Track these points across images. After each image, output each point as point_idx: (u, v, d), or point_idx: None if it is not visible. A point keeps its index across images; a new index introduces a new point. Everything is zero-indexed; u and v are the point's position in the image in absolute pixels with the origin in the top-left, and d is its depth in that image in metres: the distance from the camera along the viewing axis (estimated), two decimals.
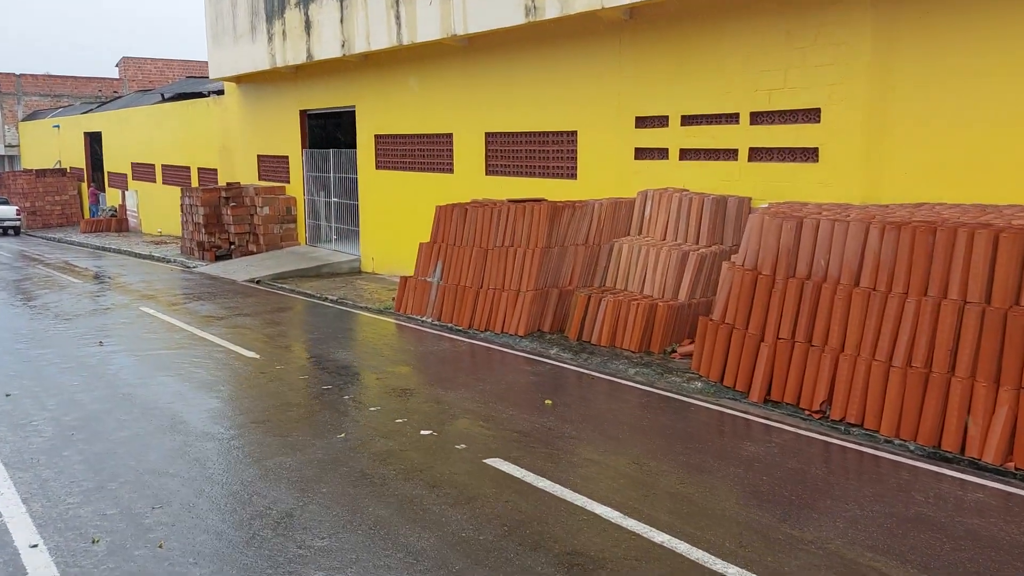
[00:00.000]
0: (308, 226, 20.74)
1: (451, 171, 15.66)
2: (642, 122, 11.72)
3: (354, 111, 18.27)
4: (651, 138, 11.58)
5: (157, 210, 29.62)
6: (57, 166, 39.07)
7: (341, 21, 16.44)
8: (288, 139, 20.85)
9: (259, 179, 22.57)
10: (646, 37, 11.48)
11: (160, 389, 8.17)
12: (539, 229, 11.19)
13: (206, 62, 48.84)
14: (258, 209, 20.61)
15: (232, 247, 20.98)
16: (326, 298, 14.79)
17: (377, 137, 17.61)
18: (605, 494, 5.43)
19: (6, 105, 47.01)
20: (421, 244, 13.15)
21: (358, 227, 18.71)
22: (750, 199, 10.32)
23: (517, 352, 10.31)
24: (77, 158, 37.82)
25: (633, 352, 9.82)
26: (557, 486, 5.56)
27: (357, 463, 6.02)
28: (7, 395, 7.85)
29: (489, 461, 6.06)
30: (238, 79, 22.16)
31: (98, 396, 7.83)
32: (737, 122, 10.47)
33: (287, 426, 6.96)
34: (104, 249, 25.39)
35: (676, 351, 9.73)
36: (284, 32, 18.45)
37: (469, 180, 15.10)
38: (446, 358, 9.88)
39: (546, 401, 7.77)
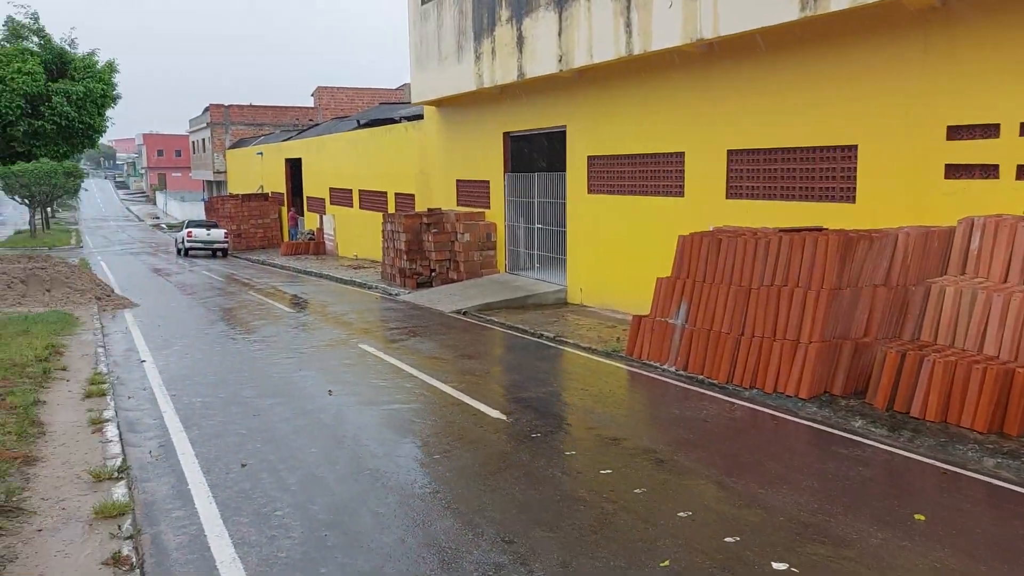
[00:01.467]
0: (508, 253, 19.45)
1: (680, 195, 13.72)
2: (957, 132, 9.27)
3: (564, 131, 16.76)
4: (972, 152, 9.11)
5: (354, 234, 29.67)
6: (260, 191, 40.66)
7: (559, 34, 14.97)
8: (489, 163, 19.71)
9: (457, 204, 21.62)
10: (966, 26, 9.06)
11: (411, 466, 6.76)
12: (827, 265, 9.02)
13: (396, 90, 49.91)
14: (459, 235, 19.57)
15: (432, 274, 20.06)
16: (542, 335, 13.25)
17: (591, 159, 15.99)
18: None
19: (216, 134, 49.93)
20: (659, 280, 11.30)
21: (564, 255, 17.14)
22: None
23: (803, 421, 8.19)
24: (278, 183, 39.14)
25: (980, 433, 7.43)
26: None
27: None
28: (243, 465, 6.70)
29: None
30: (439, 102, 21.35)
31: (342, 473, 6.51)
32: None
33: (606, 545, 5.26)
34: (306, 273, 25.45)
35: None
36: (493, 51, 17.28)
37: (704, 205, 13.10)
38: (720, 427, 7.92)
39: (916, 516, 5.64)
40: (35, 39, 17.76)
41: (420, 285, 19.97)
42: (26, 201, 45.83)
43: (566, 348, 12.27)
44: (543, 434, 7.59)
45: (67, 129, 16.87)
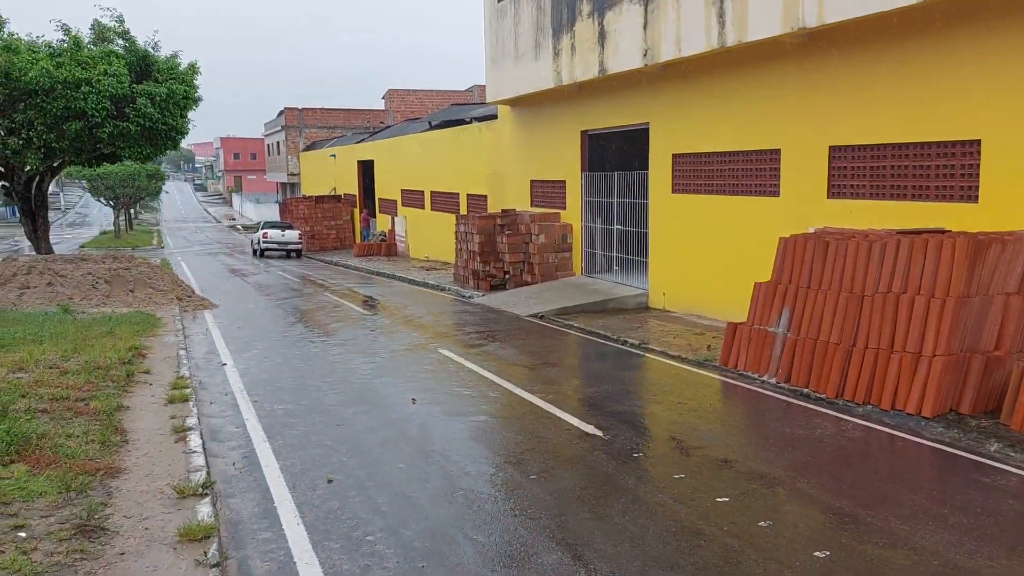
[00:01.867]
0: (584, 255, 18.83)
1: (775, 194, 12.89)
2: None
3: (647, 129, 16.06)
4: None
5: (425, 236, 29.47)
6: (332, 193, 40.99)
7: (644, 27, 14.29)
8: (565, 162, 19.13)
9: (531, 205, 21.11)
10: None
11: (507, 486, 6.24)
12: (953, 271, 8.15)
13: (465, 91, 49.79)
14: (533, 237, 19.04)
15: (507, 276, 19.59)
16: (625, 342, 12.60)
17: (676, 157, 15.25)
18: None
19: (290, 137, 50.65)
20: (758, 285, 10.54)
21: (645, 258, 16.43)
22: None
23: (929, 442, 7.37)
24: (350, 185, 39.35)
25: None
26: None
27: None
28: (329, 480, 6.29)
29: None
30: (514, 101, 20.87)
31: (434, 493, 6.03)
32: None
33: None
34: (378, 274, 25.32)
35: None
36: (572, 47, 16.69)
37: (803, 204, 12.25)
38: (838, 448, 7.16)
39: None
40: (120, 42, 17.96)
41: (494, 287, 19.52)
42: (111, 203, 47.37)
43: (653, 356, 11.61)
44: (645, 454, 6.97)
45: (150, 130, 16.95)
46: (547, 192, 20.36)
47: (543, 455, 6.90)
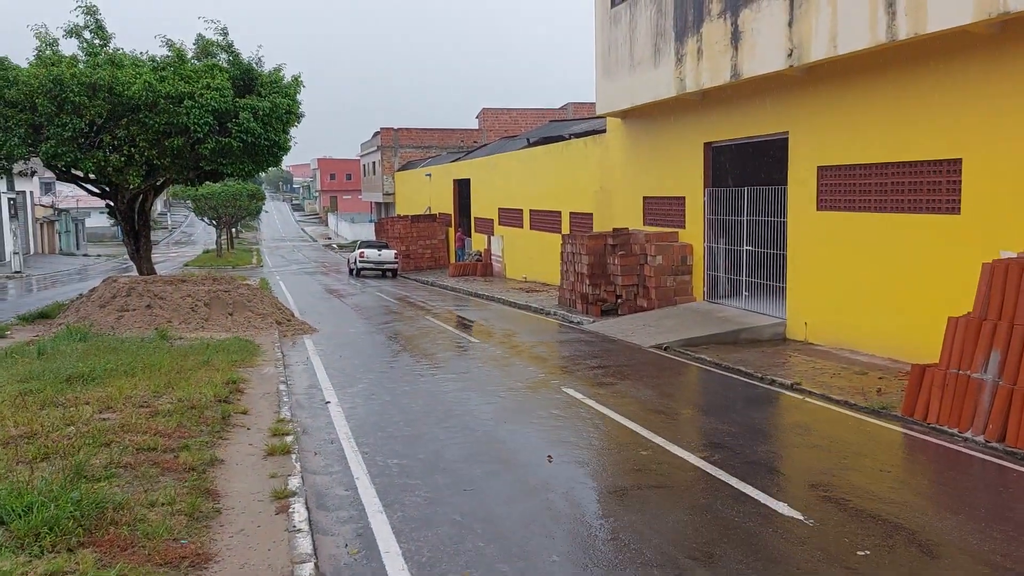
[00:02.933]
0: (706, 278, 17.00)
1: (954, 211, 10.85)
2: None
3: (785, 138, 14.20)
4: None
5: (523, 255, 28.14)
6: (427, 212, 40.28)
7: (789, 24, 12.52)
8: (685, 177, 17.41)
9: (644, 224, 19.44)
10: None
11: None
12: None
13: (559, 108, 48.50)
14: (650, 258, 17.36)
15: (619, 301, 17.95)
16: (773, 381, 10.78)
17: (822, 169, 13.34)
18: None
19: (385, 157, 50.47)
20: (954, 320, 8.60)
21: (782, 283, 14.50)
22: None
23: None
24: (445, 204, 38.51)
25: None
26: None
27: None
28: None
29: None
30: (626, 113, 19.30)
31: None
32: None
33: None
34: (476, 296, 24.08)
35: None
36: (699, 50, 15.02)
37: (993, 223, 10.19)
38: None
39: None
40: (223, 55, 17.31)
41: (604, 312, 17.91)
42: (213, 222, 48.12)
43: (814, 401, 9.76)
44: (873, 550, 5.23)
45: (253, 146, 16.12)
46: (663, 209, 18.67)
47: (739, 550, 5.23)
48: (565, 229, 24.24)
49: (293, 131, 17.75)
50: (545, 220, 26.06)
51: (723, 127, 15.94)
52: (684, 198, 17.60)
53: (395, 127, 50.11)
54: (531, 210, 27.25)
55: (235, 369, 10.74)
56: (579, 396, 9.86)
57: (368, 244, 34.67)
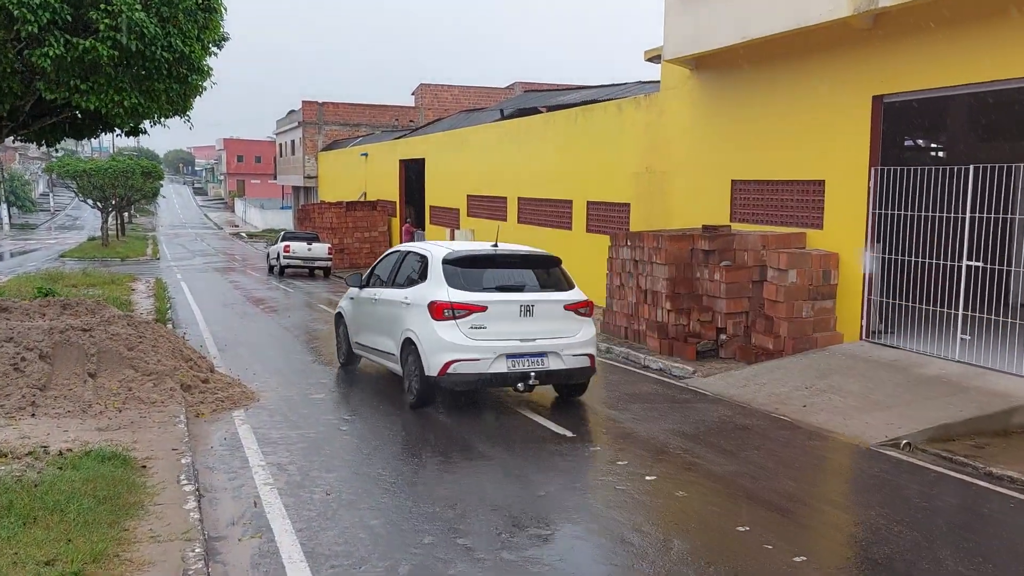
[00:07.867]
0: (866, 307, 10.65)
1: None
2: None
3: None
4: None
5: None
6: (363, 198, 32.59)
7: None
8: (829, 149, 10.98)
9: (731, 219, 12.94)
10: None
11: None
12: None
13: (506, 88, 41.39)
14: (774, 273, 10.85)
15: (720, 338, 11.36)
16: None
17: None
18: None
19: (307, 135, 42.13)
20: None
21: None
22: None
23: None
24: (386, 190, 30.97)
25: None
26: None
27: None
28: None
29: None
30: (700, 61, 12.69)
31: None
32: None
33: None
34: None
35: None
36: None
37: None
38: None
39: None
40: None
41: (699, 355, 11.28)
42: (99, 204, 38.49)
43: None
44: None
45: (140, 57, 8.17)
46: (772, 200, 12.20)
47: None
48: (579, 224, 17.49)
49: (213, 61, 10.13)
50: (545, 212, 19.19)
51: (913, 70, 9.58)
52: (823, 182, 11.17)
53: (319, 100, 41.79)
54: (521, 198, 20.30)
55: (86, 562, 3.41)
56: None
57: (294, 236, 26.72)
